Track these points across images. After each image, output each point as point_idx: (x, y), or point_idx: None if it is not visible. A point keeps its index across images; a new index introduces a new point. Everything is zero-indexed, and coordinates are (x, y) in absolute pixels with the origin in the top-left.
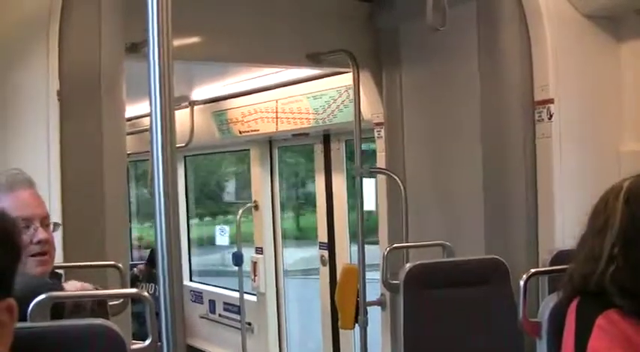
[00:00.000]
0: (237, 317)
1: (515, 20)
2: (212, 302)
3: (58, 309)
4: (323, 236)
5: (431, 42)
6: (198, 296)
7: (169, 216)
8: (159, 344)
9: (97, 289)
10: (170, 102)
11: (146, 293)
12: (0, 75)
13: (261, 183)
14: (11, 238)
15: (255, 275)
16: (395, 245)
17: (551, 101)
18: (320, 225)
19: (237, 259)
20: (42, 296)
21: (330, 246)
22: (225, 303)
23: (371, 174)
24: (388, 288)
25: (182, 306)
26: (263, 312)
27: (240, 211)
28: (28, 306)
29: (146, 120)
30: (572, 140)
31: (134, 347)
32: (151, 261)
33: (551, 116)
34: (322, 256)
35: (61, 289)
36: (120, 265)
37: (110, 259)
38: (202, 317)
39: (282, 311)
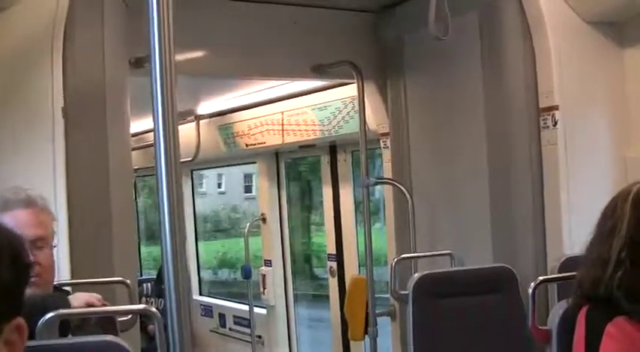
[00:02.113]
0: (248, 330)
1: (518, 28)
2: (222, 316)
3: (63, 322)
4: (331, 247)
5: (434, 52)
6: (208, 310)
7: (175, 231)
8: None
9: (105, 301)
10: (173, 117)
11: (154, 309)
12: (5, 92)
13: (269, 196)
14: (20, 258)
15: (264, 288)
16: (403, 255)
17: (555, 108)
18: (328, 236)
19: (246, 272)
20: (50, 314)
21: (339, 257)
22: (235, 317)
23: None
24: (397, 298)
25: (189, 321)
26: (273, 325)
27: (248, 224)
28: (34, 323)
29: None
30: (578, 147)
31: None
32: (159, 278)
33: (556, 123)
34: (331, 267)
35: (67, 302)
36: (128, 281)
37: (118, 275)
38: (213, 331)
39: (291, 323)
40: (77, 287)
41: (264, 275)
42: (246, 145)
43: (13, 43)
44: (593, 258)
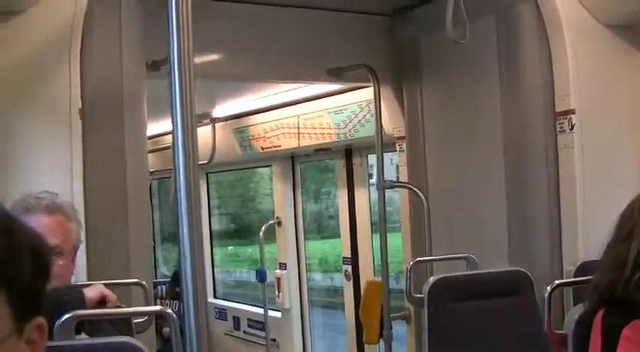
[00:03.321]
0: (262, 333)
1: (534, 31)
2: (236, 319)
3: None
4: (346, 251)
5: (451, 55)
6: (222, 313)
7: (193, 233)
8: None
9: (119, 303)
10: (192, 120)
11: (170, 310)
12: (23, 94)
13: (284, 199)
14: (43, 258)
15: (279, 291)
16: (418, 259)
17: (572, 111)
18: (343, 240)
19: (261, 275)
20: (67, 315)
21: (354, 260)
22: (249, 320)
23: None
24: (412, 302)
25: (206, 324)
26: (288, 328)
27: (264, 228)
28: (50, 321)
29: (168, 138)
30: (595, 150)
31: None
32: (174, 280)
33: (572, 126)
34: (346, 271)
35: (82, 297)
36: (144, 283)
37: (134, 277)
38: (227, 334)
39: (306, 326)
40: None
41: (279, 279)
42: (262, 148)
43: (31, 44)
44: (610, 261)
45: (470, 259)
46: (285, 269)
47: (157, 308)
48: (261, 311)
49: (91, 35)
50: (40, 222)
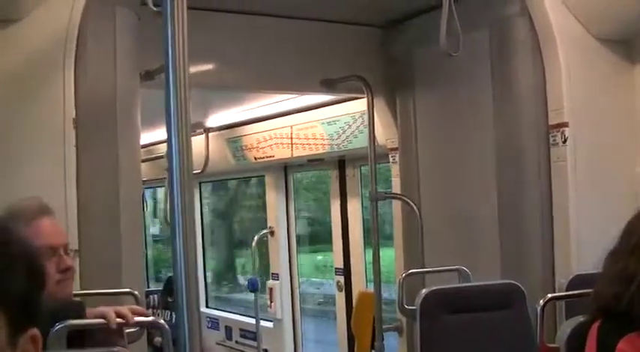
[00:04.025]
0: (254, 343)
1: (528, 44)
2: (229, 329)
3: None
4: (339, 262)
5: (444, 67)
6: (214, 322)
7: (186, 242)
8: None
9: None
10: (187, 129)
11: (162, 321)
12: (17, 103)
13: (277, 210)
14: (36, 267)
15: (271, 302)
16: (411, 271)
17: (565, 124)
18: (336, 251)
19: (253, 285)
20: (59, 325)
21: (346, 271)
22: (241, 330)
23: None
24: (404, 314)
25: (200, 333)
26: (280, 338)
27: (256, 238)
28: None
29: (162, 147)
30: (588, 163)
31: None
32: (166, 289)
33: (565, 140)
34: (338, 282)
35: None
36: (136, 292)
37: (126, 286)
38: (219, 344)
39: (298, 337)
40: (85, 298)
41: (271, 289)
42: (255, 158)
43: (25, 54)
44: (615, 273)
45: (462, 271)
46: (278, 279)
47: (150, 318)
48: (253, 321)
49: (85, 44)
50: (45, 224)
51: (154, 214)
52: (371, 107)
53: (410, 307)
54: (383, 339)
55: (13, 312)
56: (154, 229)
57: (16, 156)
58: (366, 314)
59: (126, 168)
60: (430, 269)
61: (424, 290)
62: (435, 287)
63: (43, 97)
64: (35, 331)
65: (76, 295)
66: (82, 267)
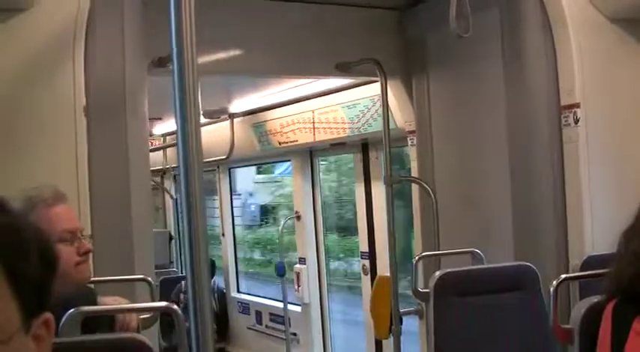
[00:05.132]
0: (283, 327)
1: (538, 25)
2: (259, 314)
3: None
4: (364, 245)
5: (457, 49)
6: (245, 307)
7: (197, 230)
8: None
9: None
10: (196, 117)
11: (175, 307)
12: (28, 92)
13: (303, 194)
14: (48, 253)
15: (298, 286)
16: (424, 253)
17: (577, 105)
18: (361, 234)
19: (280, 269)
20: (72, 311)
21: (372, 255)
22: (271, 314)
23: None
24: (418, 297)
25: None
26: (307, 322)
27: (283, 222)
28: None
29: None
30: (599, 144)
31: None
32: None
33: (577, 120)
34: (364, 265)
35: (94, 297)
36: (149, 279)
37: (138, 272)
38: (250, 328)
39: (326, 320)
40: (99, 284)
41: (298, 273)
42: (279, 143)
43: (34, 42)
44: (630, 252)
45: (475, 254)
46: (305, 263)
47: (163, 304)
48: (282, 305)
49: (95, 32)
50: (61, 211)
51: None
52: (385, 89)
53: (424, 290)
54: (401, 323)
55: (26, 297)
56: None
57: (27, 145)
58: (384, 299)
59: (135, 155)
60: (443, 251)
61: (437, 273)
62: (448, 270)
63: (53, 86)
64: (49, 315)
65: (89, 282)
66: (95, 254)
